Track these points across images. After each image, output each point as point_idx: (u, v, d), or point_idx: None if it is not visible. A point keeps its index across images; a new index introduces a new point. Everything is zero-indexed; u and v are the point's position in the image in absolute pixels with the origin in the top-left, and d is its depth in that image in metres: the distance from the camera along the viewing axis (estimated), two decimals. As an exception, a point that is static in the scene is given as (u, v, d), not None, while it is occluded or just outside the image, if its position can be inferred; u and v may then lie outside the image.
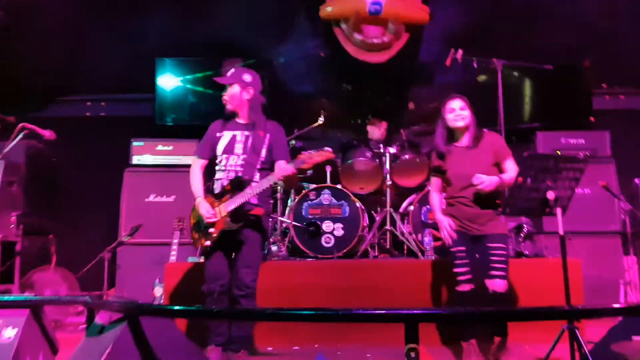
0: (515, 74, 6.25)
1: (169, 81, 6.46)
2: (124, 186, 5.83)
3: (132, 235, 5.47)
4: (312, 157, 3.41)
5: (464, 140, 3.69)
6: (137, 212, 5.71)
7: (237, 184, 3.48)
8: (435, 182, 3.86)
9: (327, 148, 3.47)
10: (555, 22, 6.01)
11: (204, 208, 3.51)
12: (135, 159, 5.94)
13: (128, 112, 6.86)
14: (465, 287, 3.56)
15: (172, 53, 6.49)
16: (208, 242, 3.49)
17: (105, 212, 6.05)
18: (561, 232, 2.90)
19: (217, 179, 3.63)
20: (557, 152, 5.76)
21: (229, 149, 3.61)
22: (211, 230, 3.49)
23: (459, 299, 3.58)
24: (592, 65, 6.12)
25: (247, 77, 3.62)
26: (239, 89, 3.61)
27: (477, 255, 3.60)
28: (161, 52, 6.44)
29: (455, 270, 3.60)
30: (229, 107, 3.65)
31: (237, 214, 3.45)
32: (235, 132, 3.63)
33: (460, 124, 3.66)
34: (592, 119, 6.07)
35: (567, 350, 2.94)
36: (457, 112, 3.66)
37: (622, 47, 6.03)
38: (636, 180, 5.47)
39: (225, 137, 3.64)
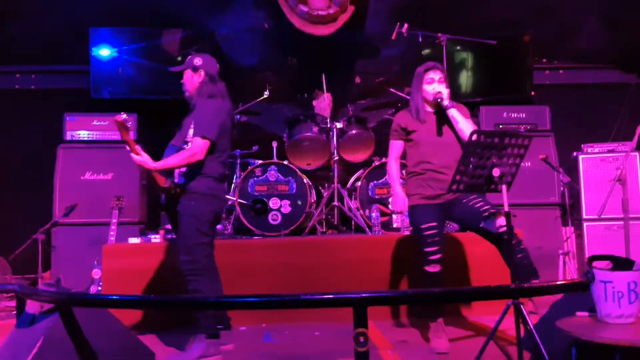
0: (459, 48, 6.26)
1: (105, 52, 6.11)
2: (57, 163, 5.49)
3: (68, 215, 5.23)
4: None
5: (437, 109, 3.55)
6: (72, 191, 5.42)
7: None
8: (397, 146, 3.62)
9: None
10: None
11: None
12: (69, 135, 5.62)
13: (61, 84, 6.46)
14: (436, 268, 3.39)
15: (107, 22, 6.12)
16: None
17: (37, 191, 5.72)
18: (506, 208, 2.91)
19: None
20: (499, 126, 5.85)
21: None
22: None
23: (429, 280, 3.39)
24: (532, 40, 6.19)
25: (197, 61, 3.57)
26: (191, 74, 3.58)
27: (458, 216, 3.48)
28: (96, 20, 6.06)
29: (426, 249, 3.40)
30: (186, 94, 3.62)
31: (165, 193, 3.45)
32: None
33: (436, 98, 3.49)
34: (532, 93, 6.18)
35: (512, 322, 2.98)
36: (436, 85, 3.50)
37: (561, 22, 6.13)
38: (574, 153, 5.62)
39: None
